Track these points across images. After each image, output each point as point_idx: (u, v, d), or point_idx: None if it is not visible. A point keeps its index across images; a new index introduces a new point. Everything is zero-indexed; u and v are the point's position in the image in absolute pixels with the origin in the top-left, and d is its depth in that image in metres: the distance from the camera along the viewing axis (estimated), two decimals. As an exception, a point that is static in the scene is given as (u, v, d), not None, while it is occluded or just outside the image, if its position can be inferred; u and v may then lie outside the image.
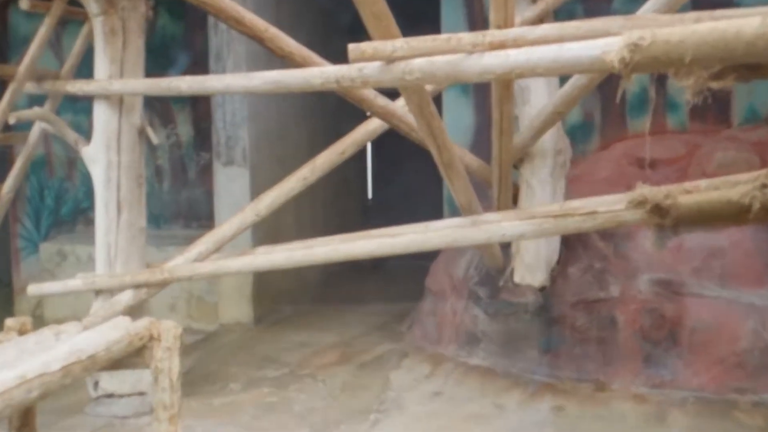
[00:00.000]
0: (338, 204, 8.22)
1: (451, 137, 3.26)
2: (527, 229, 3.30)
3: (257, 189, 5.29)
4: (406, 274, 6.60)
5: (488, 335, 4.44)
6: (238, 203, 5.39)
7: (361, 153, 11.18)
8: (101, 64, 3.87)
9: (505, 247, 4.37)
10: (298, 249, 3.78)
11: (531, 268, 4.27)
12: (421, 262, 5.24)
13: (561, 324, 4.22)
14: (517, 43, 2.34)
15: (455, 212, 4.05)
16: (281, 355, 4.97)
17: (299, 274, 6.59)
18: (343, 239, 3.70)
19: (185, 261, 3.99)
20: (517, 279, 4.32)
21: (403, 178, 10.73)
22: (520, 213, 3.46)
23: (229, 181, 5.78)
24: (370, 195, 11.01)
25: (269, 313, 6.02)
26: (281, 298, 6.29)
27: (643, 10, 3.05)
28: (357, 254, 3.61)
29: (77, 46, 4.48)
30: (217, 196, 5.87)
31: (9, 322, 2.54)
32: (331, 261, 3.73)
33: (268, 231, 5.67)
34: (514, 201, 4.19)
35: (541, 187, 4.20)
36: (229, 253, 4.12)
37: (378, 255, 3.56)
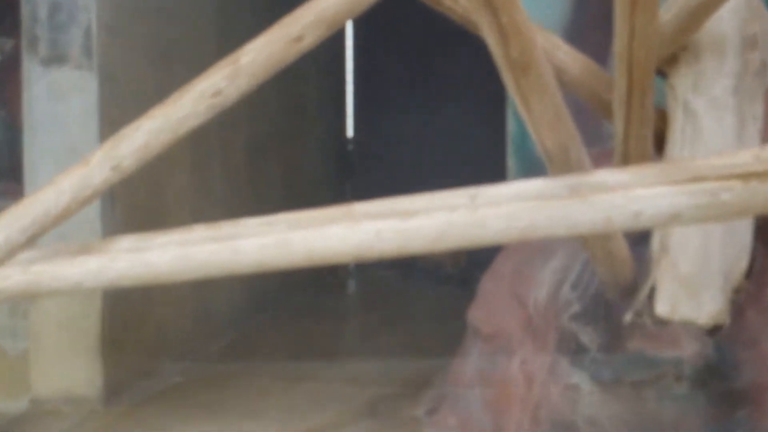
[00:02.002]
0: (289, 150, 8.23)
1: (529, 12, 3.26)
2: (685, 203, 3.29)
3: (115, 114, 5.37)
4: (420, 295, 6.57)
5: (600, 425, 4.48)
6: (75, 144, 5.48)
7: (335, 49, 11.15)
8: None
9: (638, 242, 4.40)
10: (204, 242, 3.77)
11: (691, 286, 4.30)
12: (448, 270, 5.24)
13: (753, 402, 4.27)
14: None
15: (533, 168, 4.04)
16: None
17: (205, 296, 6.54)
18: (300, 221, 3.68)
19: (-36, 266, 3.99)
20: (662, 309, 4.34)
21: (418, 97, 10.74)
22: (671, 170, 3.44)
23: (57, 99, 5.83)
24: (350, 133, 11.07)
25: (137, 377, 6.07)
26: (164, 346, 6.32)
27: None
28: (329, 253, 3.59)
29: None
30: (29, 128, 5.93)
31: None
32: (276, 268, 3.71)
33: (139, 206, 5.69)
34: (658, 146, 4.23)
35: (714, 115, 4.24)
36: (58, 251, 4.10)
37: (373, 256, 3.55)
